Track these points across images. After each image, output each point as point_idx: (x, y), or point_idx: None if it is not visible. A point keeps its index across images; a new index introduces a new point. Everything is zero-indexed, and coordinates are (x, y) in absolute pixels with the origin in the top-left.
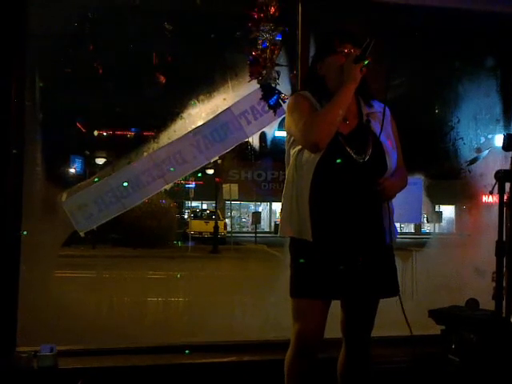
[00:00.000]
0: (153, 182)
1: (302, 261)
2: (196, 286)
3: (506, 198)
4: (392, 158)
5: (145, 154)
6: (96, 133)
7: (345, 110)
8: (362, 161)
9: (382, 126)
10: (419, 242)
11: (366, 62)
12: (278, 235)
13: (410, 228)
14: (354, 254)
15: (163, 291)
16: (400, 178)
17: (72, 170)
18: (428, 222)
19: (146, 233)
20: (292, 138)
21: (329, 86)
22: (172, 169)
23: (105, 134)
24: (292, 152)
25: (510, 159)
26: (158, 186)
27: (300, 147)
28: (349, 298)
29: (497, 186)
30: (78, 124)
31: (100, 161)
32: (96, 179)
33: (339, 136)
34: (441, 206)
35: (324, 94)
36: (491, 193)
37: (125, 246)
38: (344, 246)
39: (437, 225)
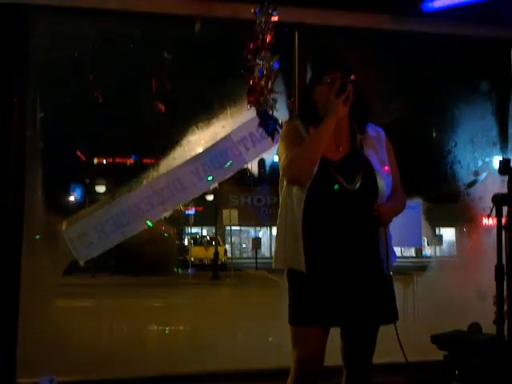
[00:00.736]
0: (152, 209)
1: (298, 290)
2: (197, 314)
3: (504, 221)
4: (385, 184)
5: (144, 181)
6: (96, 161)
7: (324, 144)
8: (353, 188)
9: (375, 150)
10: (420, 266)
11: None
12: (273, 267)
13: (411, 252)
14: (350, 283)
15: (163, 319)
16: (396, 202)
17: (72, 198)
18: (429, 245)
19: (145, 260)
20: None
21: (320, 114)
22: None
23: (104, 162)
24: (285, 182)
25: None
26: (157, 214)
27: None
28: (347, 326)
29: (494, 209)
30: (78, 152)
31: (100, 189)
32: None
33: (329, 164)
34: (441, 228)
35: (313, 122)
36: (489, 216)
37: (124, 273)
38: (339, 276)
39: (438, 248)
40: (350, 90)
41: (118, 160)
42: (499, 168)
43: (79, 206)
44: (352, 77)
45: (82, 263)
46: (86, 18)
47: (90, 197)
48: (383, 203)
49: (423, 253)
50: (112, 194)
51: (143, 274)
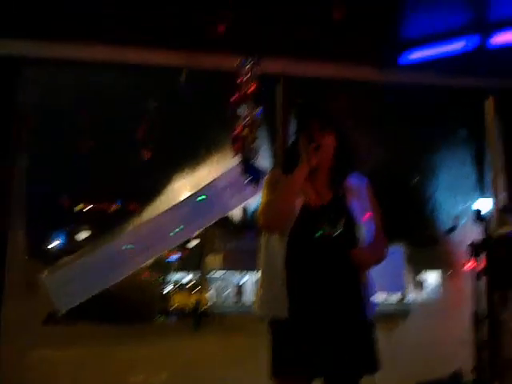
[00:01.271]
0: (135, 257)
1: (280, 340)
2: (180, 364)
3: (480, 267)
4: (365, 231)
5: (128, 229)
6: (79, 208)
7: (294, 195)
8: (333, 235)
9: (356, 199)
10: (404, 310)
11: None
12: (255, 314)
13: (396, 295)
14: (331, 331)
15: (145, 370)
16: (375, 249)
17: (54, 246)
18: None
19: (126, 308)
20: None
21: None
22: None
23: (88, 209)
24: None
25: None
26: (140, 261)
27: None
28: (330, 377)
29: (472, 256)
30: (61, 199)
31: (83, 236)
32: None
33: (311, 211)
34: (425, 272)
35: (291, 172)
36: (466, 263)
37: (106, 322)
38: (321, 324)
39: (422, 291)
40: (320, 140)
41: (101, 207)
42: (474, 217)
43: (62, 253)
44: (328, 126)
45: (62, 312)
46: (72, 68)
47: (72, 244)
48: (360, 250)
49: (407, 297)
50: (95, 241)
51: (125, 322)
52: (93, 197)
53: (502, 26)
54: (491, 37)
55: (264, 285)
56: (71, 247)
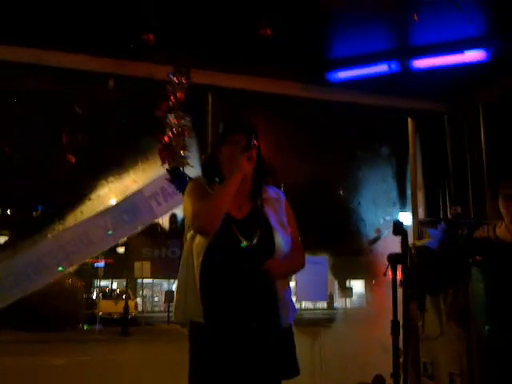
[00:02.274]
0: (57, 264)
1: (198, 349)
2: (103, 373)
3: (398, 278)
4: (283, 241)
5: (49, 235)
6: None
7: (230, 198)
8: (251, 244)
9: (274, 210)
10: (330, 317)
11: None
12: (173, 320)
13: (323, 304)
14: (248, 338)
15: (66, 379)
16: (291, 260)
17: None
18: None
19: (49, 315)
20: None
21: (224, 173)
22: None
23: (8, 212)
24: (188, 235)
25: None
26: (63, 268)
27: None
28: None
29: (390, 267)
30: None
31: (1, 240)
32: None
33: (231, 221)
34: (351, 281)
35: (214, 181)
36: (385, 275)
37: (26, 330)
38: (236, 329)
39: (348, 299)
40: (254, 149)
41: (22, 212)
42: (393, 229)
43: None
44: (254, 138)
45: None
46: None
47: None
48: (274, 259)
49: (334, 304)
50: (14, 247)
51: (46, 330)
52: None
53: (423, 51)
54: (412, 61)
55: (180, 290)
56: None
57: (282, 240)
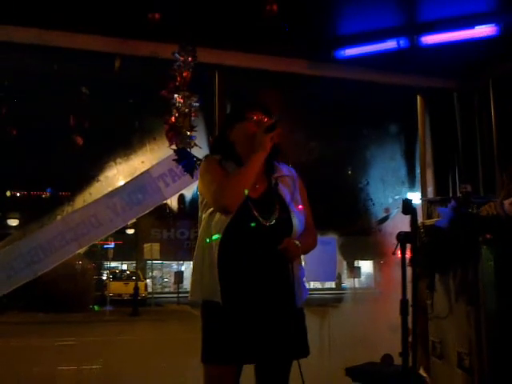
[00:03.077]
0: (66, 245)
1: (213, 325)
2: (113, 353)
3: (407, 257)
4: (299, 221)
5: (58, 216)
6: (9, 193)
7: (255, 176)
8: (268, 224)
9: (288, 189)
10: (339, 298)
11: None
12: (189, 299)
13: (331, 284)
14: (263, 317)
15: (77, 359)
16: (306, 239)
17: None
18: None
19: (60, 296)
20: (205, 201)
21: (238, 151)
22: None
23: (18, 194)
24: (204, 215)
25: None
26: (71, 250)
27: (211, 210)
28: (261, 362)
29: (399, 246)
30: None
31: (12, 222)
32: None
33: (248, 200)
34: (359, 261)
35: (233, 159)
36: (394, 254)
37: (37, 311)
38: (253, 308)
39: (356, 280)
40: (278, 131)
41: (32, 193)
42: (402, 208)
43: None
44: (276, 119)
45: None
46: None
47: (0, 231)
48: (291, 239)
49: (342, 284)
50: (23, 229)
51: (57, 311)
52: (22, 183)
53: (432, 27)
54: (421, 37)
55: (196, 270)
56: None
57: (297, 219)
